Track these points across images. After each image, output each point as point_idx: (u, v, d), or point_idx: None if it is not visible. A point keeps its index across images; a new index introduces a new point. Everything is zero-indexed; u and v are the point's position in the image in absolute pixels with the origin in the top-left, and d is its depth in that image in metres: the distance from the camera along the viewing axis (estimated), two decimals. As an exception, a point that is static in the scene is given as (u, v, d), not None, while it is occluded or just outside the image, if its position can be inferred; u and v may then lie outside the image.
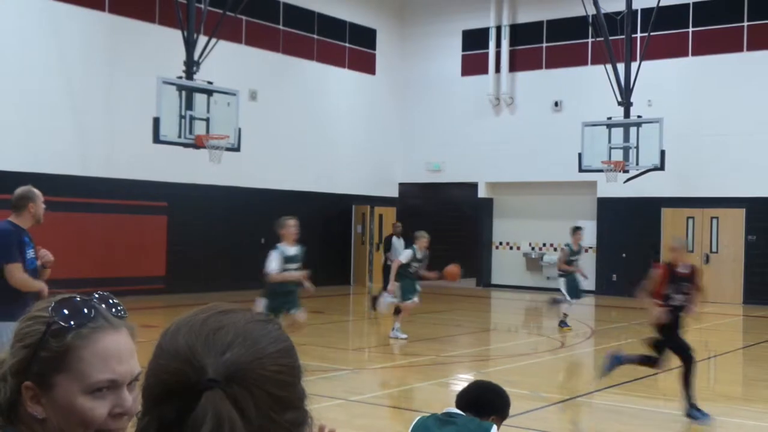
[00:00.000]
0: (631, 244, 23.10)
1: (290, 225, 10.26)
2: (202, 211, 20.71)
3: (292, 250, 10.25)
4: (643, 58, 21.44)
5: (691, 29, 22.91)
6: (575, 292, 15.88)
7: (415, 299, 13.95)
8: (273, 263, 9.96)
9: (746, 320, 19.36)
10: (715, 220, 22.20)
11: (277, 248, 10.18)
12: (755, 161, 21.44)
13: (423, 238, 13.95)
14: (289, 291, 10.22)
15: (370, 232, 25.68)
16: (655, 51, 22.61)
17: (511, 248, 25.84)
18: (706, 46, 22.61)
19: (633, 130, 20.62)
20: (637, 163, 20.48)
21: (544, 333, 16.22)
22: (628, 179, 20.85)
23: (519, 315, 21.13)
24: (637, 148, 20.42)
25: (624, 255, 23.24)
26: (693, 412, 8.40)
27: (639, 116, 20.82)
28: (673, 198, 22.38)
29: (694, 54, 22.83)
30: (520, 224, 25.54)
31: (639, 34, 22.58)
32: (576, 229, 16.81)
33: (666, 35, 22.98)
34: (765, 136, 21.40)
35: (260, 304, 9.92)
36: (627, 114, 21.09)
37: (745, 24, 22.18)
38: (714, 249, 22.27)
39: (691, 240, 22.12)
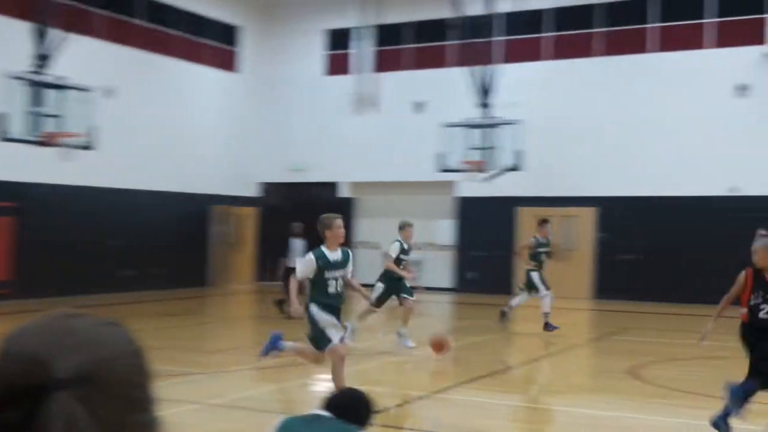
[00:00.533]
0: (489, 243, 23.68)
1: (339, 225, 8.44)
2: (55, 211, 19.86)
3: (335, 255, 8.39)
4: (504, 60, 22.05)
5: (544, 34, 23.68)
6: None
7: (410, 298, 12.87)
8: (299, 272, 8.34)
9: (596, 314, 20.22)
10: (568, 219, 23.04)
11: (318, 250, 8.33)
12: (608, 162, 22.38)
13: (409, 227, 13.05)
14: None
15: (228, 232, 25.39)
16: (516, 54, 23.27)
17: (372, 248, 26.03)
18: (562, 49, 23.43)
19: (492, 131, 21.15)
20: (496, 164, 21.01)
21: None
22: (486, 179, 21.36)
23: (380, 314, 21.23)
24: (496, 149, 20.96)
25: (482, 253, 23.81)
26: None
27: (498, 118, 21.39)
28: (528, 197, 23.07)
29: (551, 58, 23.61)
30: (382, 224, 25.74)
31: (499, 38, 23.18)
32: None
33: (525, 39, 23.69)
34: (618, 137, 22.38)
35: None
36: (487, 116, 21.63)
37: (597, 30, 23.10)
38: (568, 246, 23.10)
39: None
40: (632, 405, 9.47)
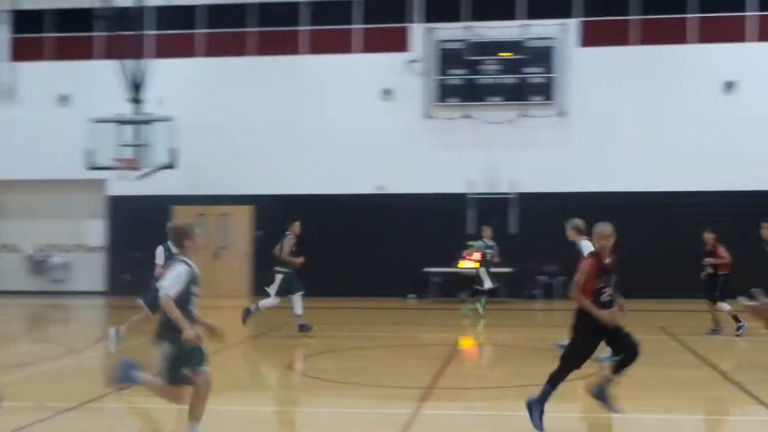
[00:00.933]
0: (144, 243, 22.76)
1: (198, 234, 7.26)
2: None
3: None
4: (154, 55, 21.35)
5: (197, 30, 23.29)
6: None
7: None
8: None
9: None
10: (225, 217, 22.87)
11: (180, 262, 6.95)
12: (262, 160, 22.51)
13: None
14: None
15: None
16: (166, 49, 22.62)
17: (16, 251, 24.05)
18: (215, 47, 23.18)
19: (144, 127, 20.43)
20: (149, 162, 20.33)
21: (51, 339, 15.20)
22: (140, 177, 20.60)
23: (21, 322, 19.59)
24: (148, 146, 20.29)
25: (137, 254, 22.86)
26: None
27: (150, 114, 20.71)
28: (184, 196, 22.56)
29: (204, 55, 23.26)
30: (25, 225, 23.84)
31: (149, 32, 22.44)
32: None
33: (177, 34, 23.14)
34: (271, 136, 22.60)
35: None
36: (138, 111, 20.83)
37: (250, 30, 23.15)
38: (224, 245, 22.96)
39: (203, 237, 22.55)
40: (289, 398, 9.47)
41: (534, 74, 21.98)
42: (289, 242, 14.61)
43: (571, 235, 11.48)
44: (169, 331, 6.67)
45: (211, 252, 22.74)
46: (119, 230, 23.15)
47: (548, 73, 21.95)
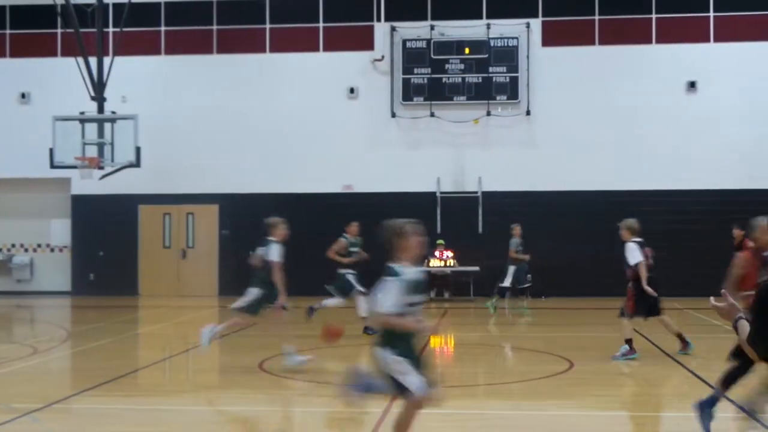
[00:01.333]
0: (110, 243, 22.65)
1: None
2: None
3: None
4: (116, 53, 21.16)
5: (158, 28, 23.12)
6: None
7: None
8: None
9: (224, 312, 20.09)
10: (190, 216, 22.76)
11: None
12: (227, 158, 22.43)
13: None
14: None
15: None
16: (129, 47, 22.43)
17: (-24, 251, 23.73)
18: (177, 45, 23.02)
19: (108, 126, 20.26)
20: (113, 160, 20.18)
21: (16, 340, 15.04)
22: (104, 176, 20.45)
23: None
24: (112, 144, 20.12)
25: (102, 253, 22.71)
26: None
27: (113, 112, 20.54)
28: (149, 195, 22.42)
29: (167, 53, 23.11)
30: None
31: (111, 29, 22.26)
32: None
33: (139, 32, 22.95)
34: (235, 134, 22.52)
35: None
36: (101, 109, 20.65)
37: (212, 28, 23.05)
38: (191, 244, 22.84)
39: (168, 236, 22.48)
40: (256, 398, 9.48)
41: (498, 73, 22.15)
42: (339, 243, 14.82)
43: (624, 235, 11.45)
44: (397, 340, 5.85)
45: (178, 252, 22.64)
46: (84, 229, 22.95)
47: (512, 72, 22.12)
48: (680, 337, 11.78)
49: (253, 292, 11.17)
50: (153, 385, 10.88)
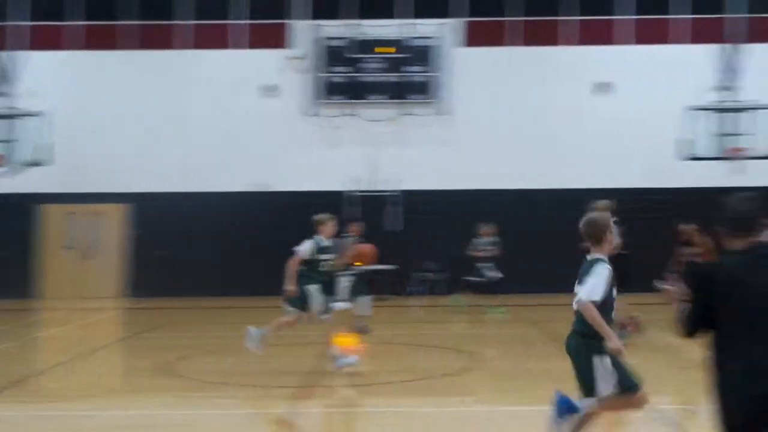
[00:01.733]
0: (7, 243, 21.75)
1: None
2: None
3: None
4: (26, 47, 20.55)
5: (69, 22, 22.42)
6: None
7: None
8: None
9: (126, 313, 19.57)
10: (96, 216, 22.08)
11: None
12: (139, 157, 21.83)
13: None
14: None
15: None
16: (39, 41, 21.74)
17: None
18: (89, 40, 22.37)
19: (13, 122, 19.66)
20: (18, 158, 19.55)
21: None
22: (7, 175, 19.75)
23: None
24: (18, 141, 19.54)
25: (3, 254, 21.86)
26: None
27: (20, 109, 19.94)
28: (55, 194, 21.67)
29: (78, 47, 22.36)
30: None
31: (20, 22, 21.54)
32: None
33: (50, 26, 22.25)
34: (147, 132, 21.96)
35: None
36: (6, 106, 20.01)
37: (123, 23, 22.46)
38: (96, 245, 22.17)
39: (71, 236, 21.86)
40: (165, 401, 9.17)
41: (415, 73, 22.12)
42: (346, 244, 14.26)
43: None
44: (601, 339, 5.79)
45: (81, 252, 21.97)
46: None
47: (429, 71, 22.11)
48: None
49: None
50: (57, 389, 10.43)
